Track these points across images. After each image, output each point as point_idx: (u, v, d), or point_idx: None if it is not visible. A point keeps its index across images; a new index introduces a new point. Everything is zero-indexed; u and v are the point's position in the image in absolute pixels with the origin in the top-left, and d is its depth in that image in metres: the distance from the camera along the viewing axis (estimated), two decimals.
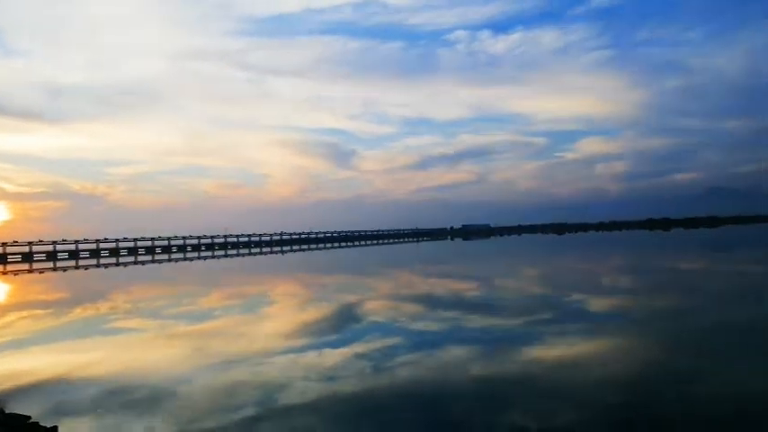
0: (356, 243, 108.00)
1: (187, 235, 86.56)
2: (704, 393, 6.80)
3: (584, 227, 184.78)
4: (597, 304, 14.74)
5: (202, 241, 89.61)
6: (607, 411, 6.28)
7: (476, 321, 12.52)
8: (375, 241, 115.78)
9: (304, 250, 75.21)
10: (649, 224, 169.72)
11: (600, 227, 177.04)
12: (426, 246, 79.48)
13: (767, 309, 12.93)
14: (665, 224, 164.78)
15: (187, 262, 51.71)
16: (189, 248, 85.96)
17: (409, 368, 8.58)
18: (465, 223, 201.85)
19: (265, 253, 69.64)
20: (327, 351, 10.04)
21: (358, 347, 10.21)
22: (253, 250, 79.97)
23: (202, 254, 71.68)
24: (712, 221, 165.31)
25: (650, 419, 5.98)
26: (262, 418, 6.56)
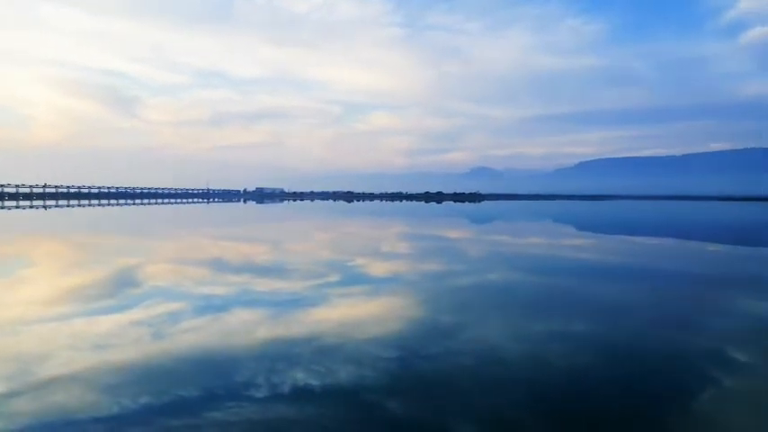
0: (139, 201, 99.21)
1: None
2: (463, 345, 7.86)
3: (370, 196, 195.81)
4: (377, 267, 15.89)
5: None
6: (381, 365, 6.90)
7: (264, 285, 12.59)
8: (160, 200, 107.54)
9: (74, 206, 66.75)
10: (426, 197, 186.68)
11: (385, 196, 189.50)
12: (218, 207, 76.53)
13: (516, 272, 15.33)
14: (439, 197, 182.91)
15: None
16: None
17: (193, 333, 8.33)
18: (259, 186, 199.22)
19: (23, 207, 60.21)
20: (99, 318, 9.21)
21: (135, 314, 9.55)
22: (7, 203, 68.43)
23: None
24: (476, 197, 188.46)
25: (418, 369, 6.74)
26: (15, 393, 5.81)
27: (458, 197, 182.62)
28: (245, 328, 8.62)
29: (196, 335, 8.23)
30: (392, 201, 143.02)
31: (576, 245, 25.96)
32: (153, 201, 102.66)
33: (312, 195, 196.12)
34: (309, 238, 28.13)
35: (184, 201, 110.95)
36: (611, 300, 11.69)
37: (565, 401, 5.84)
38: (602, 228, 39.27)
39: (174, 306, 10.16)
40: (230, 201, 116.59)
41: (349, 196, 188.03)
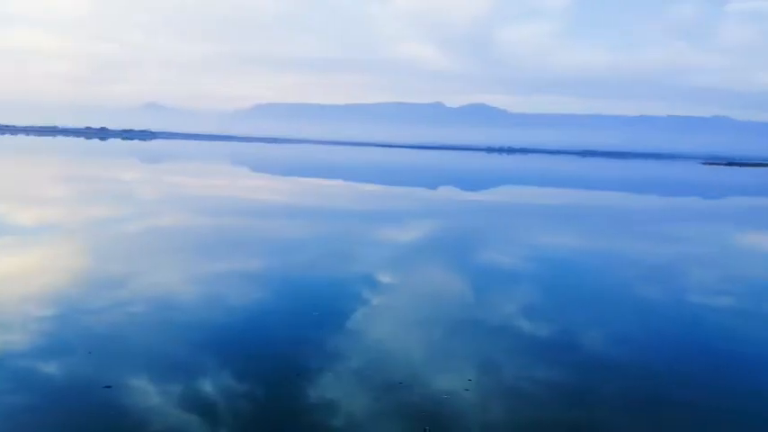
0: None
1: None
2: (134, 294, 7.32)
3: (12, 129, 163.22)
4: (24, 216, 13.54)
5: None
6: (36, 327, 5.96)
7: None
8: None
9: None
10: (87, 132, 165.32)
11: (33, 130, 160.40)
12: None
13: (191, 214, 14.89)
14: (104, 133, 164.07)
15: None
16: None
17: None
18: None
19: None
20: None
21: None
22: None
23: None
24: (148, 135, 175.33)
25: (81, 326, 6.04)
26: None
27: (127, 134, 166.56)
28: None
29: None
30: (42, 135, 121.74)
31: (251, 186, 26.66)
32: None
33: None
34: None
35: None
36: (282, 237, 12.45)
37: (238, 337, 6.03)
38: (276, 170, 41.21)
39: None
40: None
41: None
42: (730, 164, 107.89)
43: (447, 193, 28.90)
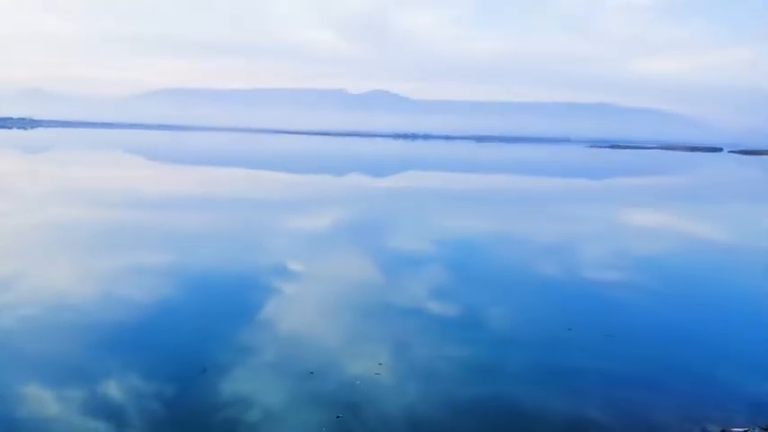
0: None
1: None
2: (18, 296, 6.82)
3: None
4: None
5: None
6: None
7: None
8: None
9: None
10: None
11: None
12: None
13: (83, 208, 13.97)
14: None
15: None
16: None
17: None
18: None
19: None
20: None
21: None
22: None
23: None
24: (28, 123, 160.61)
25: None
26: None
27: (3, 122, 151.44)
28: None
29: None
30: None
31: (148, 176, 25.31)
32: None
33: None
34: None
35: None
36: (184, 229, 12.01)
37: (140, 336, 5.79)
38: (175, 159, 39.32)
39: None
40: None
41: None
42: (613, 147, 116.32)
43: (355, 179, 29.12)
